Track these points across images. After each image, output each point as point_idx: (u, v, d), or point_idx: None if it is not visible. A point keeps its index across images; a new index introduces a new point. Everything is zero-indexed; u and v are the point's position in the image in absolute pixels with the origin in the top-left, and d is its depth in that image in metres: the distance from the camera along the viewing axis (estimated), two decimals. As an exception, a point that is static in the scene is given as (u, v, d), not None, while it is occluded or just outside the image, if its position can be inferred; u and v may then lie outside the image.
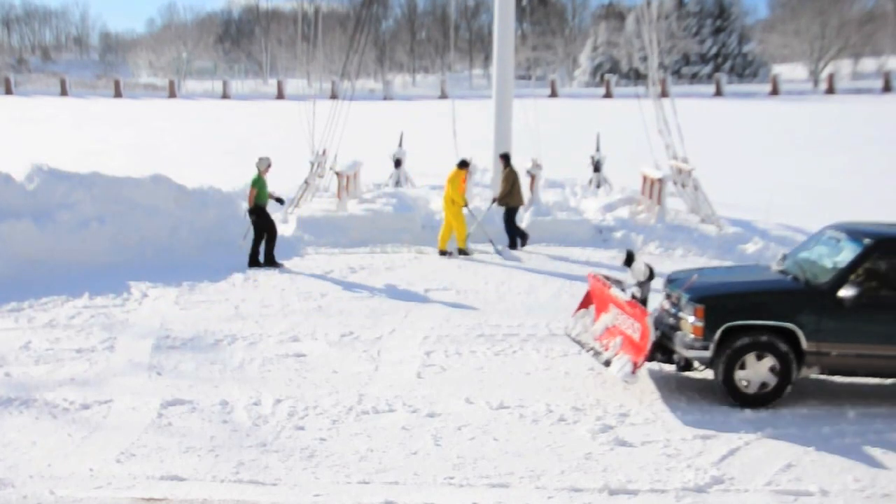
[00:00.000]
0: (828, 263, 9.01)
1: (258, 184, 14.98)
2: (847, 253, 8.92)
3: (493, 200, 16.82)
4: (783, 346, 8.53)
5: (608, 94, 65.24)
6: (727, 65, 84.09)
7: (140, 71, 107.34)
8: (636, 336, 8.69)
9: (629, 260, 9.48)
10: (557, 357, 10.19)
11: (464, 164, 16.09)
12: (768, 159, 29.96)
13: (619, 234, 17.02)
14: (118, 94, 71.44)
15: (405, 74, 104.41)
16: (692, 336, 8.69)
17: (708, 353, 8.65)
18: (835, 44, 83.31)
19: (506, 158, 16.72)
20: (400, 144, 22.60)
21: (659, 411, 8.52)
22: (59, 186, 15.33)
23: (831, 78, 69.28)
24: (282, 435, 7.88)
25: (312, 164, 19.33)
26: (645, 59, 21.03)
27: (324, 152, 19.32)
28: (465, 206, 16.05)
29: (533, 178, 18.93)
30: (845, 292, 8.48)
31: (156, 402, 8.54)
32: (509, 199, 16.35)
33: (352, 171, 19.78)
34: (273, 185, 20.74)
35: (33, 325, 11.22)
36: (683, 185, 18.45)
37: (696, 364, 8.94)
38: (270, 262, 14.86)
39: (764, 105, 57.30)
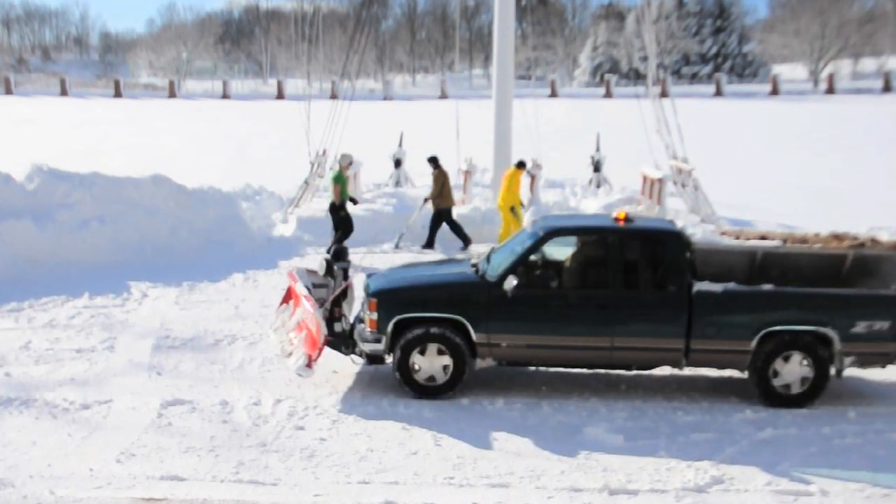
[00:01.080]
0: (508, 257, 9.03)
1: (340, 180, 15.41)
2: (523, 245, 9.03)
3: (425, 200, 16.76)
4: (455, 338, 8.62)
5: (608, 94, 65.28)
6: (727, 65, 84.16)
7: (140, 71, 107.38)
8: (314, 330, 8.77)
9: (334, 259, 9.59)
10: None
11: (521, 165, 16.21)
12: (768, 159, 29.96)
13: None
14: (118, 94, 71.49)
15: (405, 74, 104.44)
16: (368, 329, 8.83)
17: (381, 346, 8.78)
18: (835, 44, 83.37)
19: (433, 161, 16.59)
20: (400, 144, 22.61)
21: (658, 411, 8.53)
22: (59, 186, 15.32)
23: (831, 78, 69.33)
24: (282, 435, 7.88)
25: (312, 164, 19.33)
26: (645, 59, 21.04)
27: (324, 152, 19.32)
28: (520, 205, 16.13)
29: (533, 178, 18.92)
30: (508, 284, 8.56)
31: (156, 402, 8.54)
32: (440, 200, 16.23)
33: (352, 171, 19.77)
34: (273, 185, 20.87)
35: (33, 325, 11.21)
36: (683, 185, 18.45)
37: (384, 357, 8.98)
38: None
39: (764, 105, 57.30)
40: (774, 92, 65.64)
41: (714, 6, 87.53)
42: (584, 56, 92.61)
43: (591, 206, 19.06)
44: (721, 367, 8.91)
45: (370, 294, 8.91)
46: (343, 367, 9.74)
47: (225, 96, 71.50)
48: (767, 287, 8.72)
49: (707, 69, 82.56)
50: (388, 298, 8.81)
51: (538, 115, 19.76)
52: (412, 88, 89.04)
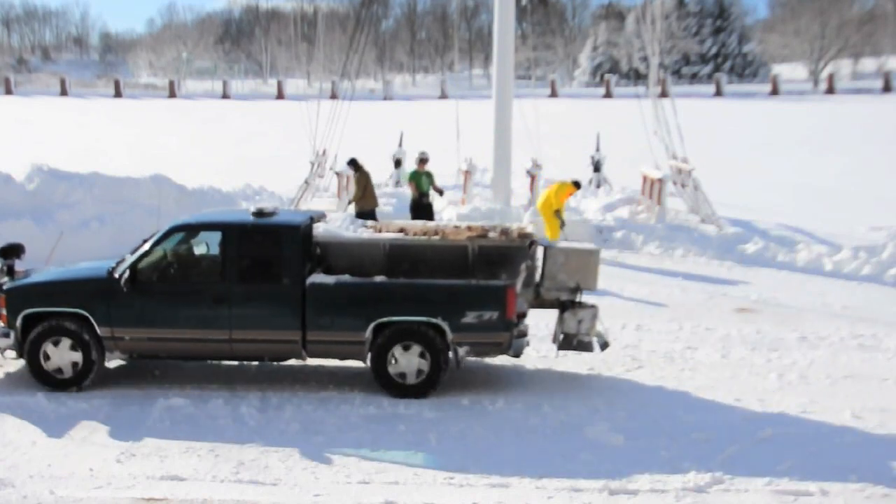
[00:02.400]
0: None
1: (414, 177, 16.05)
2: (149, 241, 9.13)
3: (349, 202, 16.75)
4: (81, 332, 8.76)
5: (608, 94, 65.24)
6: (727, 65, 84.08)
7: (140, 71, 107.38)
8: None
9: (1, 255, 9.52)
10: (557, 357, 10.18)
11: (577, 185, 16.26)
12: (768, 159, 29.96)
13: (619, 234, 17.01)
14: (118, 94, 71.49)
15: (405, 74, 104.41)
16: (1, 325, 8.94)
17: (10, 340, 8.88)
18: (835, 44, 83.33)
19: (353, 163, 16.57)
20: (400, 144, 22.62)
21: (658, 411, 8.52)
22: (59, 186, 15.33)
23: (831, 78, 69.28)
24: (282, 435, 7.88)
25: (312, 164, 19.34)
26: (645, 59, 21.04)
27: (324, 152, 19.33)
28: (559, 216, 16.01)
29: (533, 178, 18.93)
30: (125, 278, 8.70)
31: (156, 402, 8.53)
32: (363, 202, 16.20)
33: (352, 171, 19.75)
34: (273, 185, 20.86)
35: (33, 325, 11.18)
36: (683, 185, 18.45)
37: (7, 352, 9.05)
38: None
39: (764, 105, 57.28)
40: (774, 92, 65.60)
41: (714, 6, 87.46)
42: (584, 56, 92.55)
43: (592, 206, 19.07)
44: (341, 357, 9.09)
45: (3, 291, 9.03)
46: (343, 368, 9.75)
47: (225, 96, 71.48)
48: (379, 279, 8.89)
49: (707, 69, 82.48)
50: (16, 295, 8.95)
51: (538, 115, 19.76)
52: (412, 88, 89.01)
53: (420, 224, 10.15)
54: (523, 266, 9.09)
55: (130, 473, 7.10)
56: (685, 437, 7.89)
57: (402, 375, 8.77)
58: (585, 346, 9.44)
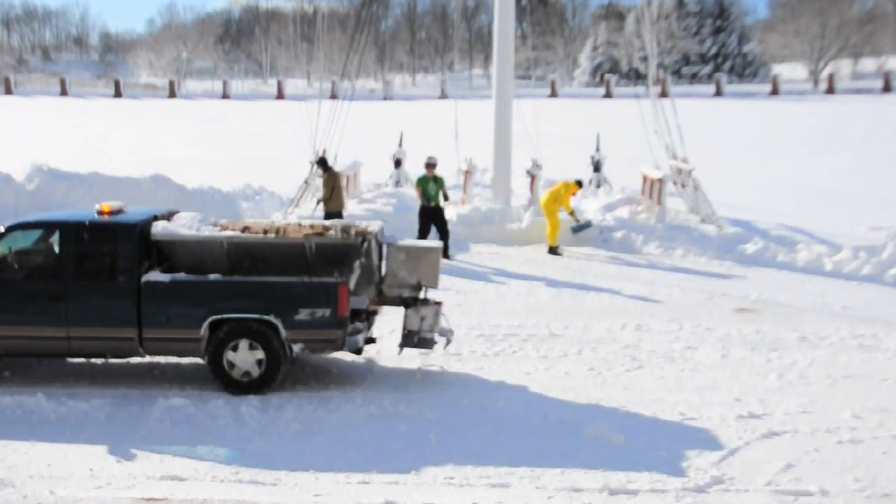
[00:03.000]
0: None
1: (420, 183, 15.91)
2: None
3: (318, 202, 16.72)
4: None
5: (608, 94, 65.25)
6: (727, 65, 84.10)
7: (140, 71, 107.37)
8: None
9: None
10: (557, 357, 10.19)
11: (580, 184, 17.11)
12: (768, 159, 29.97)
13: (619, 234, 17.02)
14: (118, 94, 71.53)
15: (405, 74, 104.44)
16: None
17: None
18: (835, 44, 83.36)
19: (322, 163, 16.55)
20: (400, 144, 22.61)
21: (658, 411, 8.53)
22: (59, 186, 15.36)
23: (831, 78, 69.29)
24: (282, 435, 7.88)
25: (312, 164, 19.32)
26: (645, 59, 21.04)
27: (323, 152, 19.31)
28: (572, 215, 16.80)
29: (533, 178, 18.92)
30: None
31: (156, 402, 8.54)
32: (329, 203, 16.16)
33: (352, 171, 19.78)
34: (273, 185, 20.85)
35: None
36: (683, 185, 18.45)
37: None
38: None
39: (764, 105, 57.29)
40: (774, 92, 65.60)
41: (714, 6, 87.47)
42: (584, 56, 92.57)
43: (591, 205, 19.07)
44: (179, 354, 9.25)
45: None
46: (343, 368, 9.76)
47: (225, 96, 71.50)
48: (214, 277, 8.92)
49: (707, 69, 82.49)
50: None
51: (538, 115, 19.77)
52: (412, 88, 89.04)
53: (266, 223, 10.06)
54: (356, 264, 9.11)
55: (130, 473, 7.11)
56: (685, 437, 7.89)
57: (240, 372, 8.87)
58: (427, 343, 9.52)
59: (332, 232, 9.32)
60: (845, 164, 28.30)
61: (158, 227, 9.22)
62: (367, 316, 9.46)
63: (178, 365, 9.75)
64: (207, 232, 9.31)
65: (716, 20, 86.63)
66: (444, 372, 9.70)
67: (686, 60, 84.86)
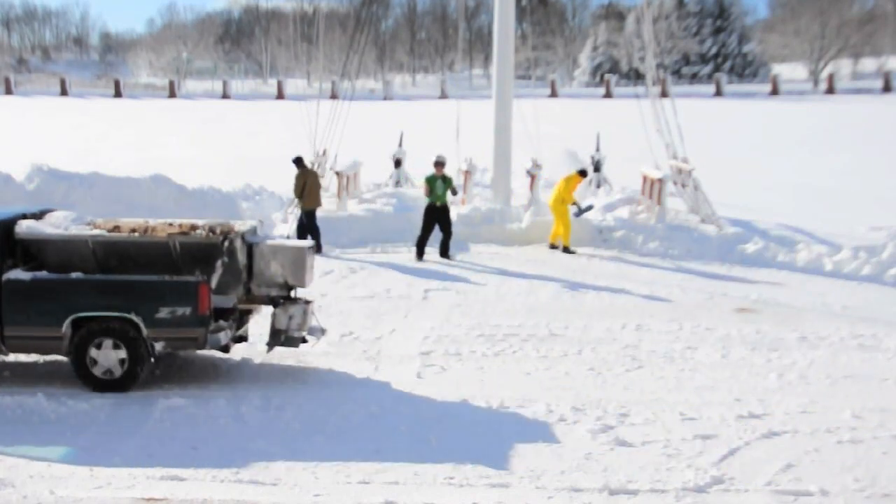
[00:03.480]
0: None
1: (429, 181, 15.91)
2: None
3: (293, 200, 16.69)
4: None
5: (608, 94, 65.23)
6: (727, 65, 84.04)
7: (140, 71, 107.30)
8: None
9: None
10: (557, 357, 10.20)
11: (583, 174, 17.11)
12: (768, 159, 29.95)
13: (619, 234, 17.02)
14: (118, 94, 71.48)
15: (405, 74, 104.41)
16: None
17: None
18: (835, 44, 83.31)
19: (299, 162, 16.54)
20: (400, 144, 22.60)
21: (658, 411, 8.52)
22: (59, 186, 15.36)
23: (831, 78, 69.27)
24: (282, 435, 7.88)
25: (312, 164, 19.32)
26: (644, 58, 21.04)
27: (324, 152, 19.33)
28: (575, 204, 16.66)
29: (533, 178, 18.92)
30: None
31: (156, 402, 8.54)
32: (304, 202, 16.17)
33: (352, 171, 19.78)
34: (273, 185, 20.83)
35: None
36: (683, 185, 18.44)
37: None
38: (445, 253, 15.92)
39: (764, 105, 57.28)
40: (774, 92, 65.58)
41: (714, 6, 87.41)
42: (584, 56, 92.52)
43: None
44: (42, 352, 9.35)
45: None
46: (343, 368, 9.75)
47: (225, 96, 71.45)
48: (75, 275, 8.95)
49: (707, 69, 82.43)
50: None
51: (538, 115, 19.76)
52: (412, 88, 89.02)
53: (137, 222, 10.01)
54: (219, 263, 9.10)
55: (130, 473, 7.10)
56: (685, 437, 7.90)
57: (101, 370, 8.91)
58: (293, 342, 9.52)
59: (198, 231, 9.34)
60: (845, 164, 28.30)
61: (23, 227, 9.25)
62: (240, 315, 9.50)
63: (178, 365, 9.75)
64: (74, 231, 9.34)
65: (716, 20, 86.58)
66: (444, 371, 9.70)
67: (686, 60, 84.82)
